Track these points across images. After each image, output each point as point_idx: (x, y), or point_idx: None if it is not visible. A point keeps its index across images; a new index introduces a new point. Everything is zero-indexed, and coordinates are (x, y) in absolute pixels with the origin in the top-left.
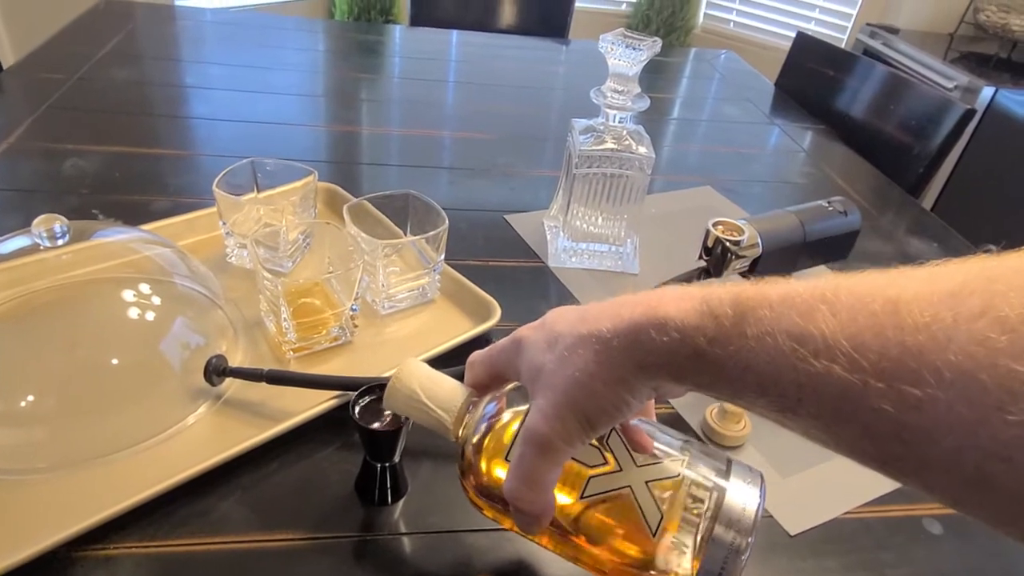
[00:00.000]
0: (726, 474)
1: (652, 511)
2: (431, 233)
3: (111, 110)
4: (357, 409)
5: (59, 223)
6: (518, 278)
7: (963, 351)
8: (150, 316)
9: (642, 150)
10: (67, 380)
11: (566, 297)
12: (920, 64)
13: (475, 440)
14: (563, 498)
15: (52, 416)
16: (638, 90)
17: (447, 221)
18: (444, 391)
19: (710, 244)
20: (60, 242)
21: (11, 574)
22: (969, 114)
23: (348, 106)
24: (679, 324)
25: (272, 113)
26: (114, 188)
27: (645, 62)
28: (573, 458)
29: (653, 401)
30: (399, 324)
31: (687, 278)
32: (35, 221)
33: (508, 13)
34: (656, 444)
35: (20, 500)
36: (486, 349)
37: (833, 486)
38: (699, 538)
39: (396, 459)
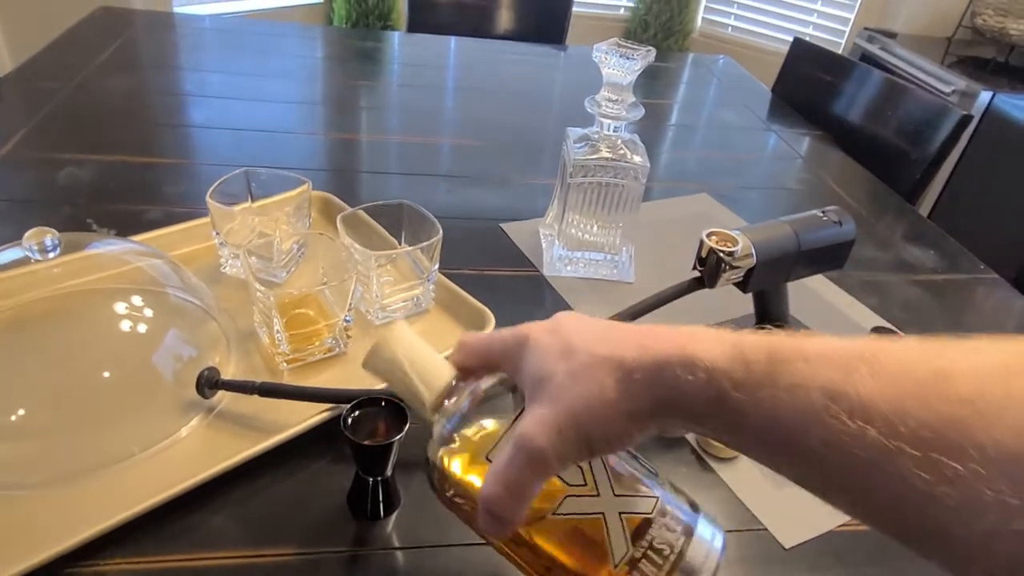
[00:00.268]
0: (693, 519)
1: (619, 543)
2: (425, 243)
3: (108, 118)
4: (349, 423)
5: (50, 236)
6: (513, 287)
7: (1012, 430)
8: (142, 328)
9: (637, 159)
10: (58, 393)
11: (561, 306)
12: (917, 68)
13: (449, 428)
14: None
15: (43, 430)
16: (632, 99)
17: (441, 231)
18: (429, 365)
19: (704, 254)
20: (51, 255)
21: None
22: (966, 120)
23: (346, 113)
24: (708, 365)
25: (270, 121)
26: (110, 197)
27: (639, 71)
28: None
29: None
30: None
31: (677, 292)
32: (26, 234)
33: (505, 19)
34: (633, 473)
35: (10, 516)
36: (484, 335)
37: None
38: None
39: (388, 473)
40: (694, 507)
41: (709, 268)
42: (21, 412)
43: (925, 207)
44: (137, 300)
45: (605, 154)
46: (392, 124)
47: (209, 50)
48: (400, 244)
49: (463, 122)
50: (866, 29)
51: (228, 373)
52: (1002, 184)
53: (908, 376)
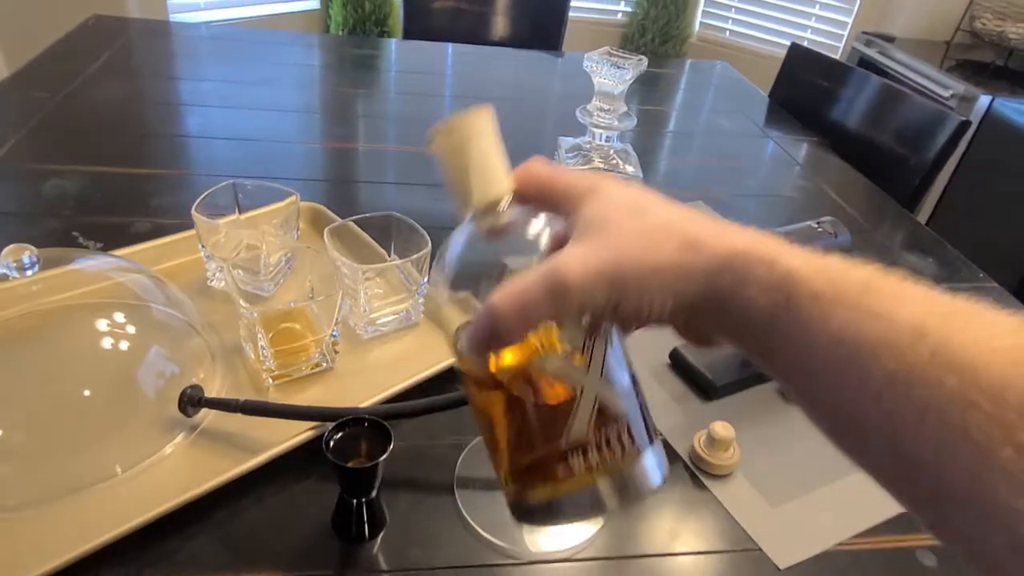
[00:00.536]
0: (648, 442)
1: (581, 426)
2: (414, 256)
3: (97, 129)
4: (331, 445)
5: (27, 253)
6: None
7: None
8: (124, 345)
9: (629, 169)
10: (36, 412)
11: None
12: (916, 72)
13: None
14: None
15: (21, 451)
16: (624, 108)
17: (430, 244)
18: (494, 168)
19: None
20: (29, 272)
21: None
22: (964, 126)
23: (342, 122)
24: (788, 266)
25: (265, 130)
26: (97, 209)
27: (631, 81)
28: (560, 324)
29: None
30: (382, 349)
31: None
32: (4, 251)
33: (501, 25)
34: (622, 371)
35: None
36: (555, 166)
37: (824, 516)
38: (595, 476)
39: (373, 494)
40: (653, 434)
41: None
42: None
43: (923, 214)
44: (118, 316)
45: (597, 164)
46: (389, 133)
47: (204, 58)
48: (389, 256)
49: None
50: (864, 33)
51: (213, 389)
52: (1002, 189)
53: (999, 339)
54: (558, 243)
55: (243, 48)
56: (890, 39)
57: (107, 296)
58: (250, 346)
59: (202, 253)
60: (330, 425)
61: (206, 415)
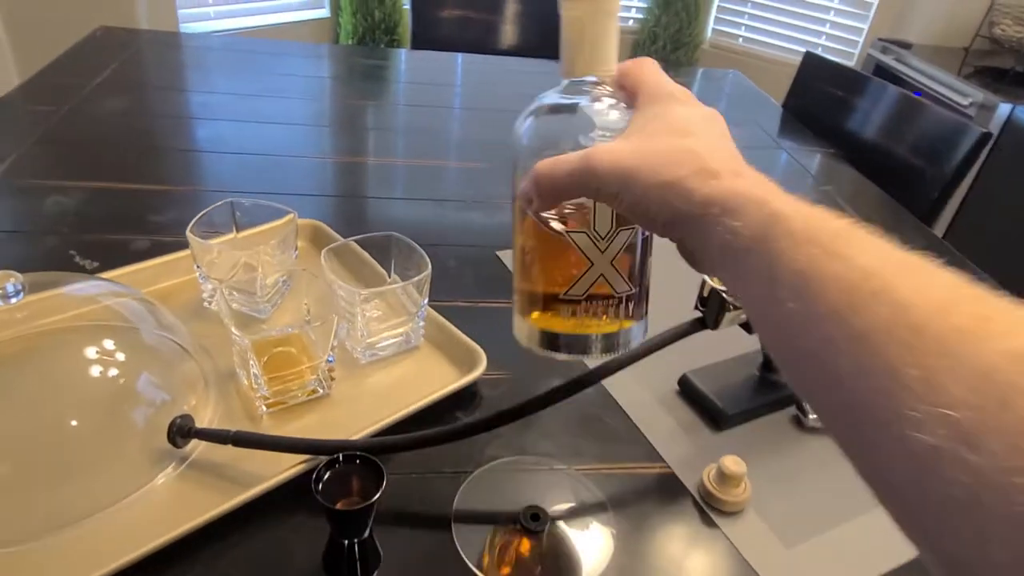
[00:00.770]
0: (639, 318)
1: (580, 288)
2: (414, 279)
3: (100, 143)
4: (320, 487)
5: (12, 281)
6: (508, 320)
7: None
8: (112, 372)
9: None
10: (19, 444)
11: None
12: (933, 80)
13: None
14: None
15: (3, 486)
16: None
17: (430, 266)
18: (607, 47)
19: (705, 294)
20: (14, 300)
21: None
22: (985, 137)
23: (350, 135)
24: (776, 208)
25: (272, 144)
26: (95, 227)
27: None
28: (598, 206)
29: None
30: (380, 374)
31: (680, 334)
32: None
33: (510, 33)
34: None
35: None
36: (660, 72)
37: (841, 557)
38: (588, 329)
39: (365, 535)
40: (644, 313)
41: (711, 309)
42: None
43: (940, 226)
44: (107, 342)
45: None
46: (398, 146)
47: (211, 70)
48: (389, 276)
49: (467, 143)
50: (880, 40)
51: (205, 416)
52: (1022, 201)
53: (936, 289)
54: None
55: (251, 59)
56: (907, 46)
57: (95, 322)
58: (243, 372)
59: (197, 274)
60: (324, 458)
61: (196, 446)
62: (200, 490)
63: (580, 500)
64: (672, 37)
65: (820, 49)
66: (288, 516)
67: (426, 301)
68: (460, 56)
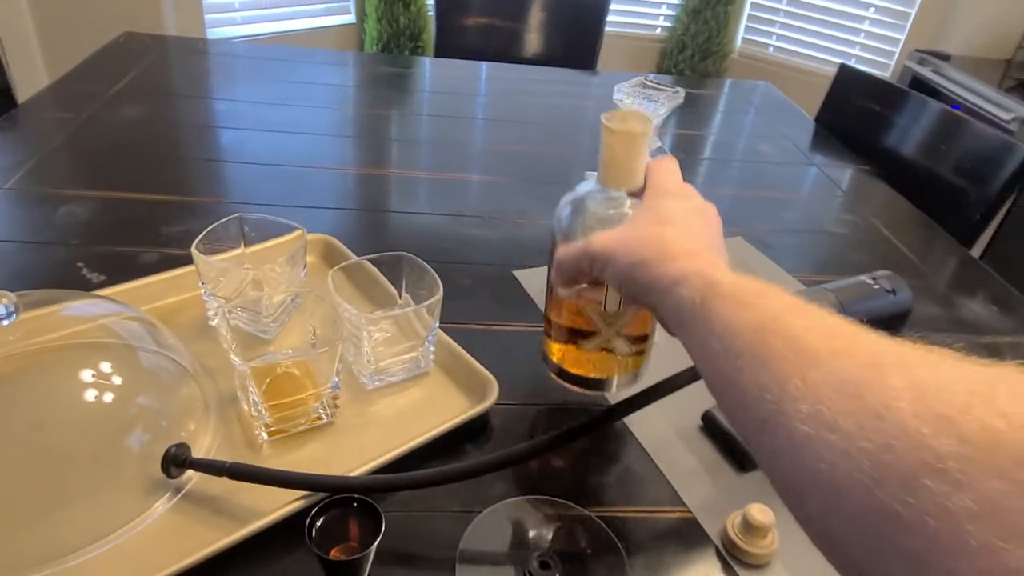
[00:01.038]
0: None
1: (589, 345)
2: (425, 303)
3: (116, 152)
4: (314, 534)
5: (4, 302)
6: (521, 346)
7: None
8: (107, 396)
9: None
10: (7, 472)
11: None
12: (973, 93)
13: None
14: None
15: None
16: (658, 143)
17: (441, 289)
18: (636, 167)
19: None
20: (6, 322)
21: None
22: None
23: (373, 146)
24: (714, 279)
25: (292, 154)
26: (106, 238)
27: (666, 115)
28: (609, 288)
29: None
30: (387, 401)
31: None
32: None
33: (535, 42)
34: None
35: None
36: (673, 168)
37: None
38: (594, 373)
39: None
40: (638, 374)
41: None
42: None
43: (977, 247)
44: (103, 364)
45: (627, 210)
46: (420, 158)
47: (233, 77)
48: (401, 296)
49: (489, 155)
50: (917, 51)
51: (204, 443)
52: None
53: (824, 329)
54: None
55: (274, 67)
56: (945, 57)
57: (90, 340)
58: (244, 397)
59: (203, 291)
60: (319, 497)
61: (192, 476)
62: (194, 524)
63: (594, 545)
64: (700, 46)
65: (854, 60)
66: (284, 554)
67: (437, 324)
68: (484, 65)
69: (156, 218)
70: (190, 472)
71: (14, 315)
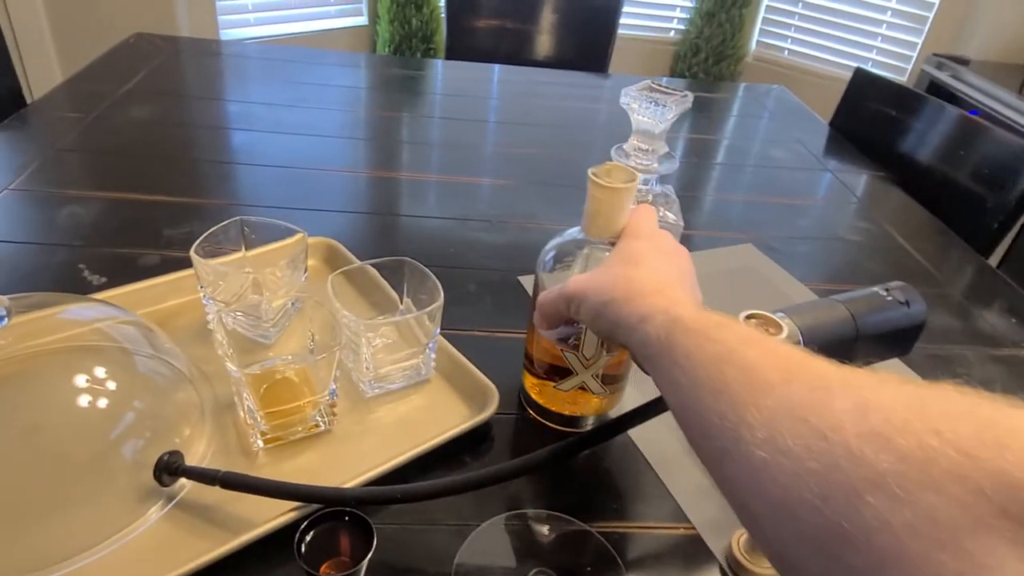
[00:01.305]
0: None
1: (566, 386)
2: (426, 310)
3: (122, 153)
4: (303, 550)
5: None
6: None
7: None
8: (101, 402)
9: (670, 216)
10: None
11: None
12: (992, 98)
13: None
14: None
15: None
16: (665, 149)
17: (442, 295)
18: (618, 220)
19: None
20: None
21: None
22: None
23: (384, 149)
24: (677, 315)
25: (301, 156)
26: (108, 240)
27: (674, 119)
28: (587, 333)
29: None
30: (386, 409)
31: None
32: None
33: (546, 44)
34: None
35: None
36: (650, 217)
37: None
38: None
39: None
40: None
41: None
42: None
43: (993, 259)
44: (97, 369)
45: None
46: (431, 161)
47: (244, 79)
48: (402, 301)
49: (500, 159)
50: (935, 55)
51: (198, 451)
52: None
53: (778, 358)
54: None
55: (285, 68)
56: (964, 62)
57: (84, 344)
58: (240, 404)
59: (201, 295)
60: (313, 509)
61: (184, 484)
62: (185, 534)
63: (594, 561)
64: (714, 50)
65: (871, 64)
66: (277, 566)
67: (438, 331)
68: (496, 68)
69: (160, 220)
70: (183, 480)
71: (5, 319)
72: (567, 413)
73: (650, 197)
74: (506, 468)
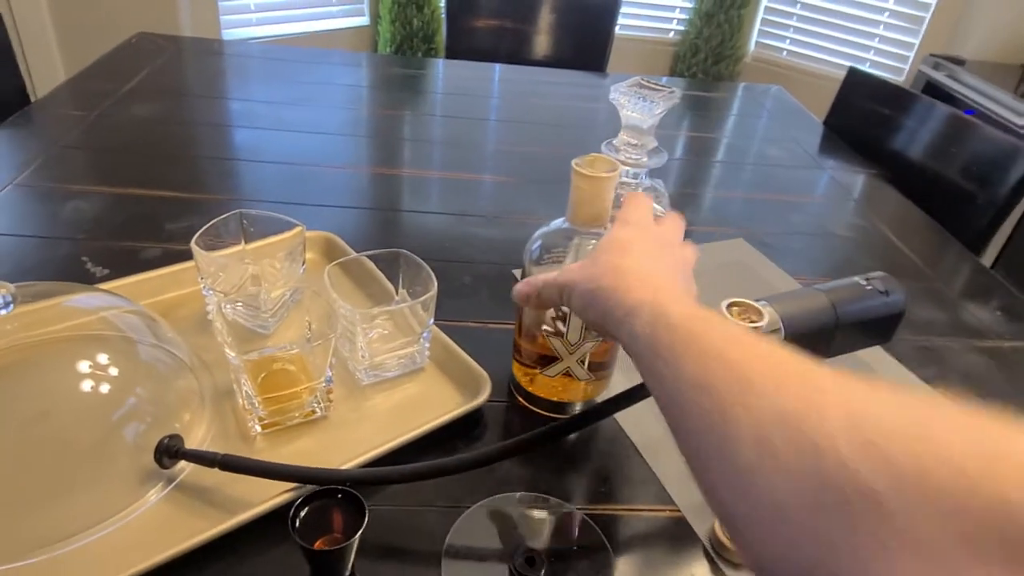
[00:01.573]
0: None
1: (552, 371)
2: (420, 299)
3: (125, 149)
4: (297, 524)
5: (3, 292)
6: None
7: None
8: (103, 387)
9: (659, 210)
10: (4, 462)
11: None
12: (988, 98)
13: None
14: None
15: None
16: (654, 143)
17: (436, 285)
18: (602, 209)
19: None
20: (3, 312)
21: None
22: None
23: (385, 146)
24: (664, 311)
25: (302, 153)
26: (110, 233)
27: (661, 115)
28: (572, 319)
29: None
30: (381, 396)
31: None
32: None
33: (544, 44)
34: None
35: None
36: (644, 206)
37: None
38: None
39: (346, 574)
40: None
41: None
42: None
43: (988, 255)
44: (100, 355)
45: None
46: (433, 158)
47: (246, 78)
48: (397, 292)
49: (500, 156)
50: (932, 55)
51: (198, 435)
52: None
53: (765, 359)
54: None
55: (287, 67)
56: (960, 62)
57: (88, 333)
58: (239, 390)
59: (202, 286)
60: (308, 490)
61: (185, 467)
62: (185, 514)
63: (581, 542)
64: (714, 50)
65: (868, 64)
66: (274, 545)
67: (432, 321)
68: (497, 67)
69: (161, 214)
70: (183, 463)
71: (11, 305)
72: (555, 399)
73: (640, 191)
74: (495, 450)
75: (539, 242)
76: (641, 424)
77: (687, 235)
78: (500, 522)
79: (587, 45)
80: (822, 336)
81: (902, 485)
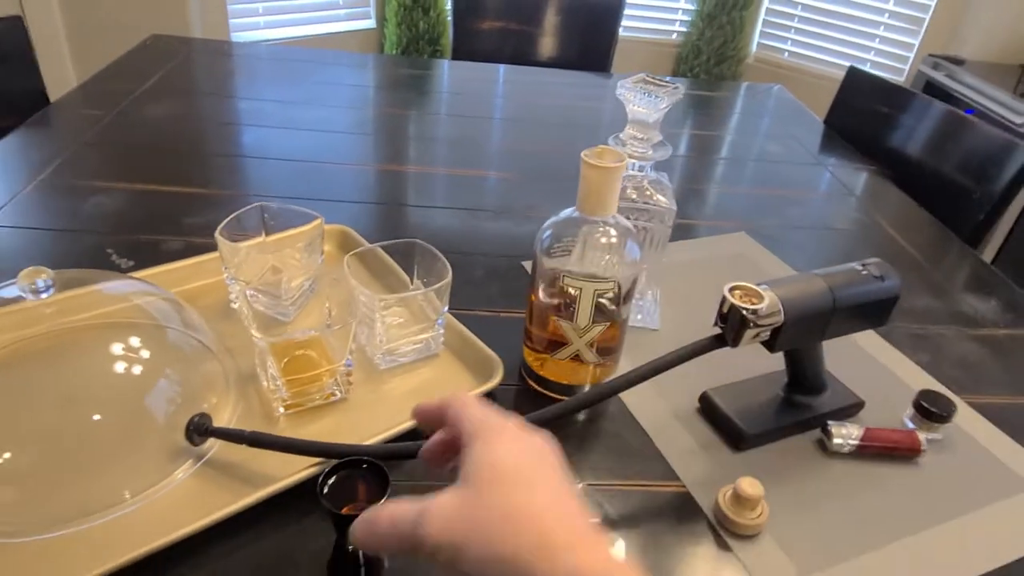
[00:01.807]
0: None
1: (566, 353)
2: (434, 287)
3: (143, 147)
4: (325, 491)
5: (43, 277)
6: None
7: None
8: (136, 370)
9: (663, 201)
10: (42, 437)
11: None
12: (987, 97)
13: None
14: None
15: (23, 476)
16: (659, 137)
17: (450, 273)
18: (610, 200)
19: (725, 311)
20: (44, 296)
21: None
22: None
23: (392, 144)
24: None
25: (312, 151)
26: (133, 227)
27: (666, 109)
28: (580, 304)
29: None
30: (398, 380)
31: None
32: (20, 274)
33: (550, 45)
34: None
35: None
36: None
37: None
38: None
39: None
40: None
41: (731, 326)
42: (7, 455)
43: (989, 252)
44: (132, 340)
45: (631, 195)
46: (438, 155)
47: (257, 78)
48: (412, 282)
49: (505, 154)
50: (931, 56)
51: (225, 416)
52: None
53: None
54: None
55: (296, 68)
56: (959, 62)
57: (122, 319)
58: (263, 373)
59: (225, 275)
60: (332, 464)
61: (213, 444)
62: (214, 488)
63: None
64: (716, 51)
65: (869, 64)
66: (298, 519)
67: (446, 308)
68: (501, 68)
69: (180, 209)
70: (211, 441)
71: (52, 289)
72: (565, 382)
73: (645, 183)
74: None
75: (549, 231)
76: (649, 407)
77: (690, 231)
78: None
79: (591, 47)
80: (819, 319)
81: None
